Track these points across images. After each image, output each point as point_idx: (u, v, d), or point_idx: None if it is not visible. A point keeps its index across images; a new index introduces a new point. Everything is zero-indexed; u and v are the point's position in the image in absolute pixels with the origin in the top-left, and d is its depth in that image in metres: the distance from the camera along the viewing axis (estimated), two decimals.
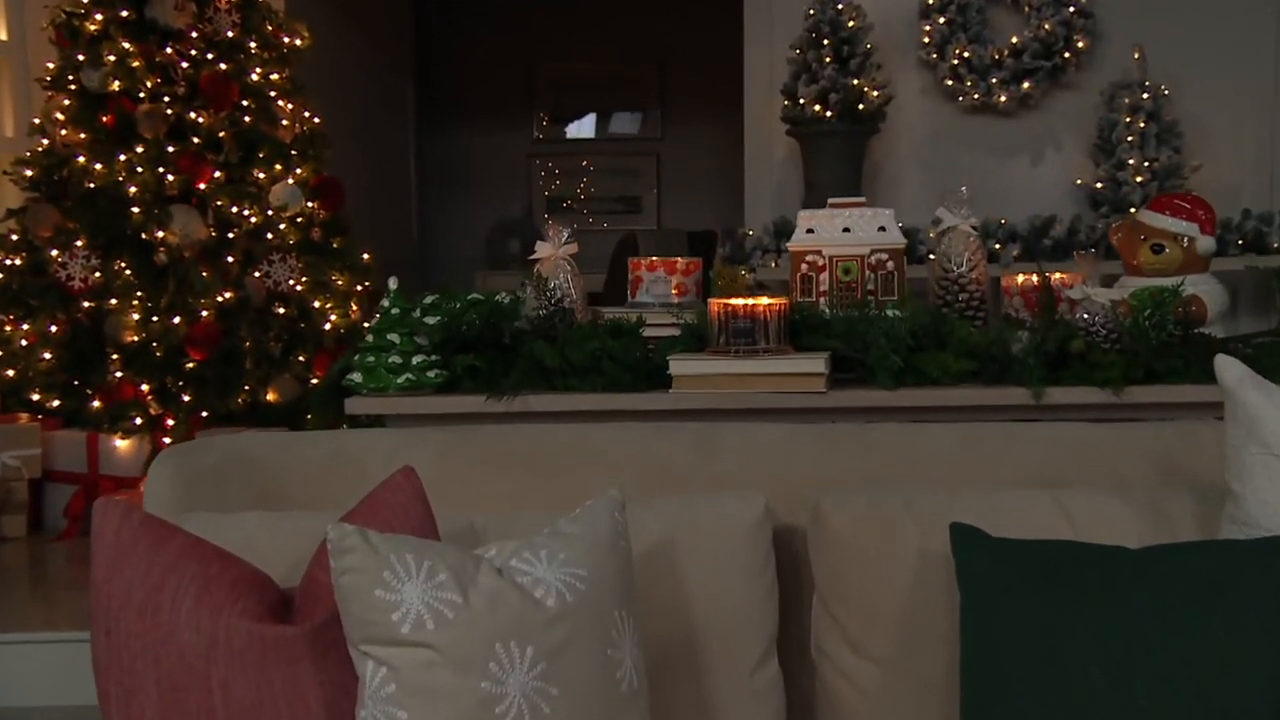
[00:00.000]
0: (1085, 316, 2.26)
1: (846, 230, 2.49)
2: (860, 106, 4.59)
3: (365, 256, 4.84)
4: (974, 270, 2.48)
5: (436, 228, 8.03)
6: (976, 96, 4.76)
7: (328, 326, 4.58)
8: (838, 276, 2.47)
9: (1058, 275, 2.42)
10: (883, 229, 2.48)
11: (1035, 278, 2.40)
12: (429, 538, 1.65)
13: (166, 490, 2.00)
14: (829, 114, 4.58)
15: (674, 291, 2.54)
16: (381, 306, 2.38)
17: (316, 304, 4.58)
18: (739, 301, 2.31)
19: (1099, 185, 4.60)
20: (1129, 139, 4.54)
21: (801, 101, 4.58)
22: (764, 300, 2.32)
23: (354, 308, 4.69)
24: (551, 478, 2.13)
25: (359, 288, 4.77)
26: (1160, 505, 1.90)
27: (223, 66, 4.53)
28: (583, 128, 8.33)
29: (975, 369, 2.32)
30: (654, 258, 2.57)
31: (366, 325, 4.89)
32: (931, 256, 2.51)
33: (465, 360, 2.38)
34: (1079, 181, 4.73)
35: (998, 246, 4.47)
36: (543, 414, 2.37)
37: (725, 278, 2.46)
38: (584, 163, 8.28)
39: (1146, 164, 4.52)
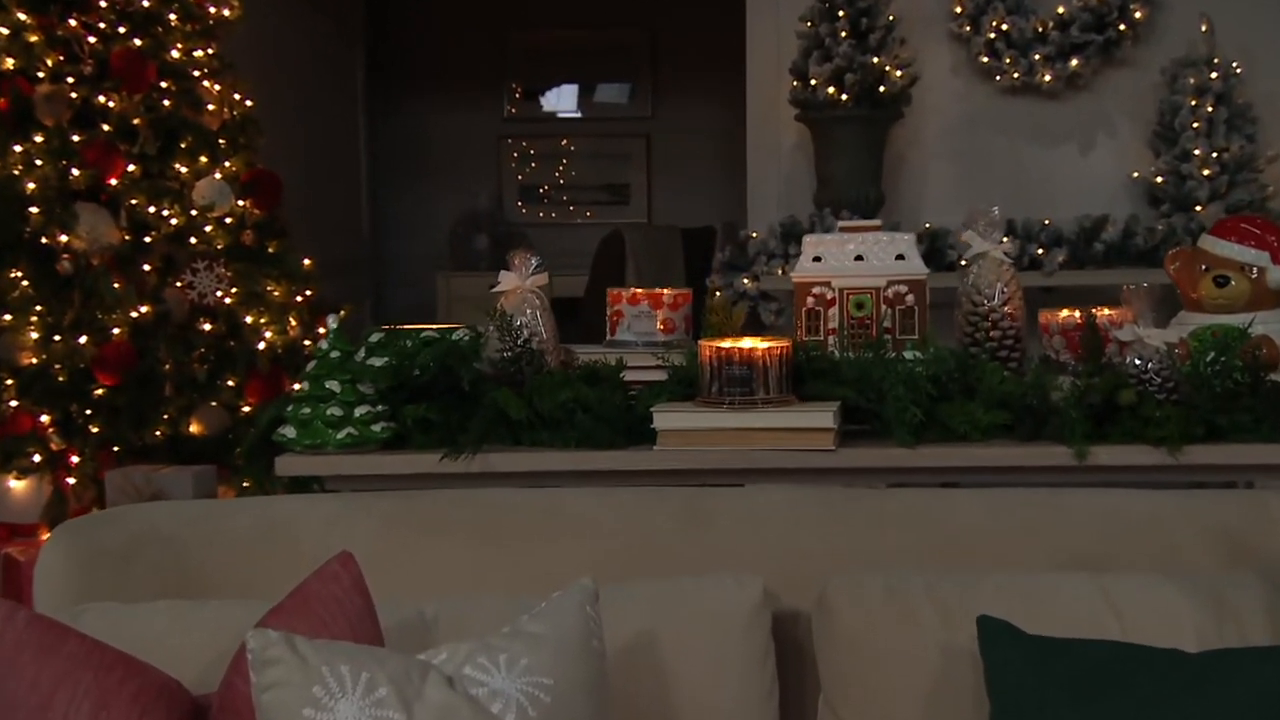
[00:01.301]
0: (1137, 362, 2.26)
1: (859, 258, 2.49)
2: (881, 88, 4.59)
3: (306, 262, 4.82)
4: (1008, 304, 2.47)
5: (391, 223, 8.02)
6: (1016, 76, 4.76)
7: (262, 345, 4.56)
8: (849, 312, 2.47)
9: (1105, 312, 2.42)
10: (901, 257, 2.48)
11: (1078, 314, 2.40)
12: (369, 637, 1.66)
13: (61, 576, 2.00)
14: (844, 97, 4.57)
15: (660, 328, 2.54)
16: (318, 349, 2.37)
17: (249, 319, 4.56)
18: (733, 344, 2.31)
19: (1159, 179, 4.60)
20: (1194, 125, 4.54)
21: (813, 82, 4.58)
22: (763, 342, 2.32)
23: (292, 323, 4.68)
24: (516, 552, 2.14)
25: (299, 299, 4.76)
26: (1224, 595, 1.92)
27: (137, 42, 4.51)
28: (562, 100, 8.32)
29: (1009, 422, 2.32)
30: (636, 289, 2.57)
31: (308, 344, 4.93)
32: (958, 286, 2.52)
33: (416, 411, 2.38)
34: (1135, 175, 4.72)
35: (1040, 252, 4.47)
36: (507, 475, 2.37)
37: (719, 313, 2.47)
38: (564, 142, 8.27)
39: (1215, 154, 4.53)
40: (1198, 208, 4.50)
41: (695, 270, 5.79)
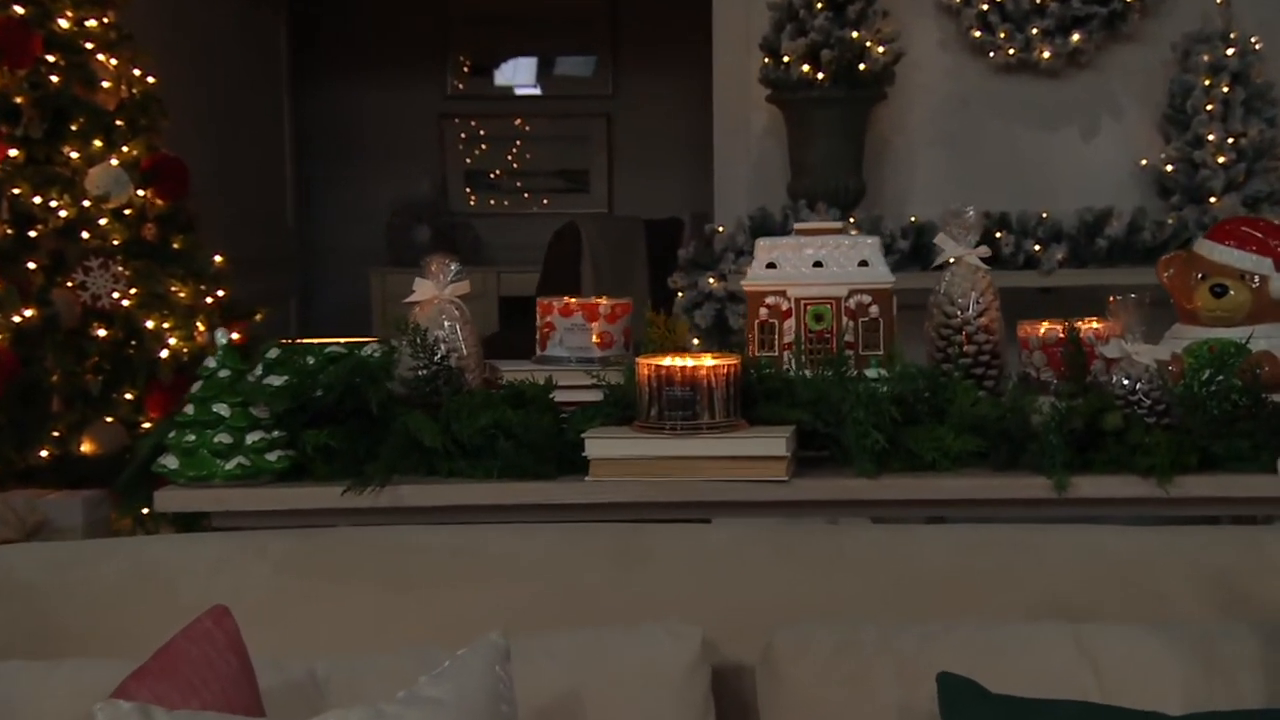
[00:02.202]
0: (1124, 382, 2.26)
1: (818, 265, 2.48)
2: (861, 66, 4.59)
3: (216, 259, 4.81)
4: (983, 315, 2.46)
5: (321, 215, 8.00)
6: (1012, 52, 4.78)
7: (165, 354, 4.54)
8: (806, 325, 2.47)
9: (1091, 324, 2.42)
10: (865, 263, 2.47)
11: (1061, 327, 2.39)
12: (244, 704, 1.63)
13: None
14: (820, 76, 4.57)
15: (595, 342, 2.53)
16: (203, 368, 2.35)
17: (150, 323, 4.54)
18: (675, 362, 2.30)
19: (1169, 168, 4.61)
20: (1208, 107, 4.55)
21: (785, 59, 4.58)
22: (708, 360, 2.31)
23: (199, 328, 4.66)
24: (428, 598, 2.12)
25: (207, 301, 4.73)
26: (1216, 648, 1.90)
27: (19, 10, 4.48)
28: (519, 74, 8.30)
29: (982, 449, 2.31)
30: (570, 298, 2.56)
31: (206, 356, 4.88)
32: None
33: (318, 438, 2.36)
34: (1144, 162, 4.73)
35: (1037, 249, 4.48)
36: (420, 510, 2.36)
37: (659, 326, 2.45)
38: (517, 122, 8.24)
39: (1230, 140, 4.54)
40: (1212, 199, 4.52)
41: (661, 267, 5.79)
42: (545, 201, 8.18)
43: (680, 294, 4.74)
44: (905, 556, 2.09)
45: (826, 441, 2.39)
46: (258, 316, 4.92)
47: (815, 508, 2.36)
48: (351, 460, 2.36)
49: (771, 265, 2.51)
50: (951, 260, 2.52)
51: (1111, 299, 2.29)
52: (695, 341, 5.10)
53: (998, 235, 4.42)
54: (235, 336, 4.65)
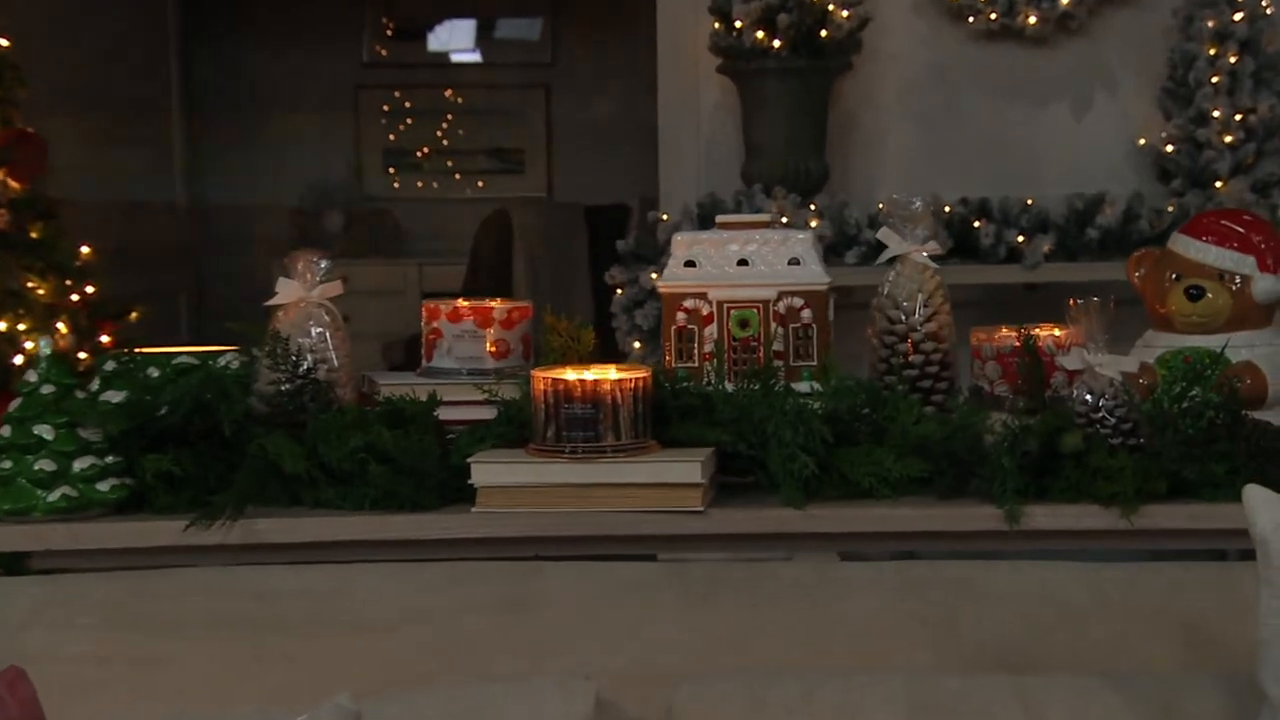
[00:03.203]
0: (1087, 398, 2.24)
1: (743, 263, 2.46)
2: (823, 33, 4.58)
3: (84, 250, 4.77)
4: (932, 320, 2.44)
5: (215, 198, 7.96)
6: (994, 17, 4.78)
7: (19, 359, 4.50)
8: (730, 332, 2.45)
9: (1052, 332, 2.40)
10: (796, 261, 2.45)
11: (1016, 335, 2.38)
12: None
13: None
14: (777, 43, 4.56)
15: (489, 351, 2.50)
16: (24, 383, 2.31)
17: (3, 324, 4.51)
18: (574, 375, 2.27)
19: (1169, 148, 4.62)
20: (1213, 80, 4.56)
21: (738, 24, 4.56)
22: (613, 373, 2.28)
23: (63, 329, 4.62)
24: (286, 650, 2.08)
25: (73, 298, 4.70)
26: (1178, 702, 1.89)
27: None
28: (455, 38, 8.27)
29: (926, 474, 2.29)
30: (461, 301, 2.52)
31: (83, 356, 4.87)
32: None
33: (159, 463, 2.31)
34: (1141, 142, 4.74)
35: (1020, 239, 4.47)
36: (277, 547, 2.30)
37: (561, 333, 2.43)
38: (447, 94, 8.21)
39: (1238, 116, 4.55)
40: (1217, 184, 4.52)
41: (604, 259, 5.77)
42: (480, 184, 8.16)
43: (619, 290, 4.71)
44: (832, 599, 2.07)
45: (750, 466, 2.37)
46: (133, 316, 4.89)
47: (733, 542, 2.34)
48: (199, 489, 2.31)
49: (690, 263, 2.48)
50: (895, 257, 2.51)
51: (1072, 301, 2.27)
52: (636, 346, 5.11)
53: (976, 224, 4.42)
54: (105, 339, 4.66)
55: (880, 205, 4.66)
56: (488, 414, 2.47)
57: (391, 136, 8.25)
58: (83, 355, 4.55)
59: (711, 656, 1.98)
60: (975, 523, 2.30)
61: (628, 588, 2.08)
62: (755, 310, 2.47)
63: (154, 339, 2.59)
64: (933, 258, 2.52)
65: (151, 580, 2.10)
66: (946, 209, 4.41)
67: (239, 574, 2.12)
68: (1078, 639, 1.99)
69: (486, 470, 2.34)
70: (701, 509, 2.29)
